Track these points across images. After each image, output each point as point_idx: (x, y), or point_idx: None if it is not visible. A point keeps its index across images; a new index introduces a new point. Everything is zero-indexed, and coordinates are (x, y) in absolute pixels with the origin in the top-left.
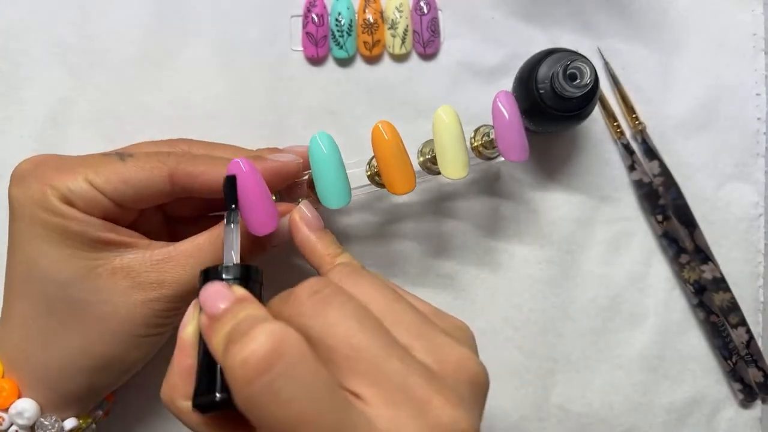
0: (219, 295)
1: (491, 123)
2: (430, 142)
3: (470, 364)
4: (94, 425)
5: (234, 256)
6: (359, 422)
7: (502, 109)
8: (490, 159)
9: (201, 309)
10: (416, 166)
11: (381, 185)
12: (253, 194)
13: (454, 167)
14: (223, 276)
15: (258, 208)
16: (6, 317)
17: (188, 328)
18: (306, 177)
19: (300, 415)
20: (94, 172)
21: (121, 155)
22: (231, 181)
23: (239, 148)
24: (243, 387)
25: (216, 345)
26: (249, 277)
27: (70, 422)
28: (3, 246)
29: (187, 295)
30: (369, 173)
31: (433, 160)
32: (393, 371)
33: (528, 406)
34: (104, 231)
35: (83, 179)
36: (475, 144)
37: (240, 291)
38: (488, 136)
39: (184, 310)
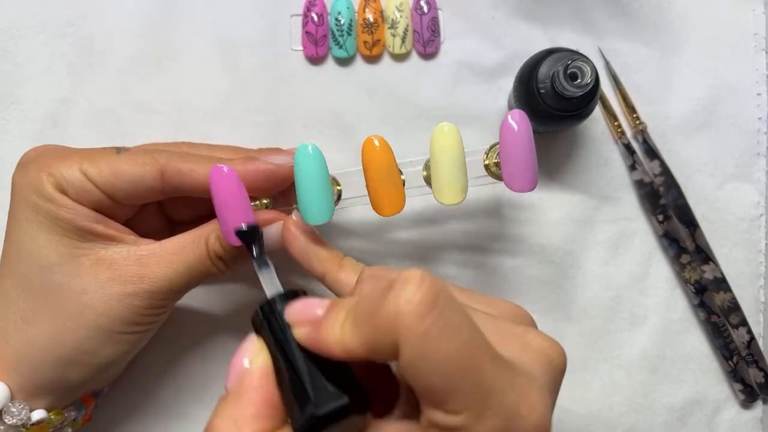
0: (311, 305)
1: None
2: None
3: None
4: (69, 430)
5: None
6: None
7: (515, 129)
8: (500, 179)
9: (288, 328)
10: (420, 181)
11: None
12: (229, 201)
13: (449, 193)
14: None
15: (231, 218)
16: None
17: (258, 359)
18: None
19: (469, 340)
20: (90, 162)
21: (119, 149)
22: (243, 234)
23: (240, 148)
24: (416, 324)
25: (336, 335)
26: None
27: (38, 413)
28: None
29: (168, 294)
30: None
31: None
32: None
33: None
34: (93, 222)
35: (78, 169)
36: (488, 162)
37: (324, 300)
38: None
39: (165, 312)
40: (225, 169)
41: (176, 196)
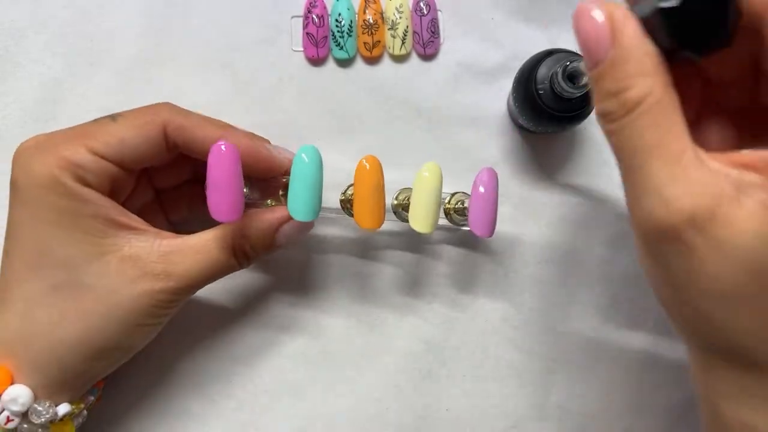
0: None
1: (469, 190)
2: (406, 190)
3: None
4: (85, 411)
5: None
6: None
7: (482, 187)
8: (457, 225)
9: None
10: (388, 205)
11: (351, 214)
12: (225, 179)
13: (423, 223)
14: None
15: (226, 195)
16: (5, 302)
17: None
18: (285, 179)
19: None
20: (93, 139)
21: (113, 116)
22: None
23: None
24: None
25: None
26: None
27: (63, 408)
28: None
29: (191, 289)
30: (342, 198)
31: (405, 208)
32: None
33: (528, 406)
34: (116, 213)
35: (86, 150)
36: (448, 206)
37: None
38: (462, 203)
39: (183, 302)
40: (226, 146)
41: (163, 165)
